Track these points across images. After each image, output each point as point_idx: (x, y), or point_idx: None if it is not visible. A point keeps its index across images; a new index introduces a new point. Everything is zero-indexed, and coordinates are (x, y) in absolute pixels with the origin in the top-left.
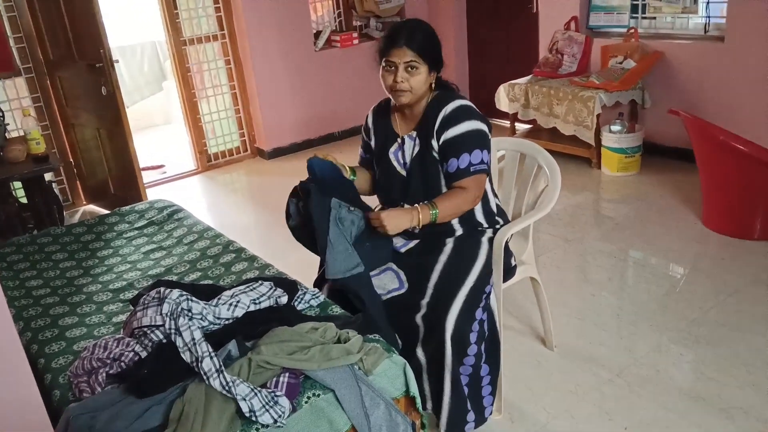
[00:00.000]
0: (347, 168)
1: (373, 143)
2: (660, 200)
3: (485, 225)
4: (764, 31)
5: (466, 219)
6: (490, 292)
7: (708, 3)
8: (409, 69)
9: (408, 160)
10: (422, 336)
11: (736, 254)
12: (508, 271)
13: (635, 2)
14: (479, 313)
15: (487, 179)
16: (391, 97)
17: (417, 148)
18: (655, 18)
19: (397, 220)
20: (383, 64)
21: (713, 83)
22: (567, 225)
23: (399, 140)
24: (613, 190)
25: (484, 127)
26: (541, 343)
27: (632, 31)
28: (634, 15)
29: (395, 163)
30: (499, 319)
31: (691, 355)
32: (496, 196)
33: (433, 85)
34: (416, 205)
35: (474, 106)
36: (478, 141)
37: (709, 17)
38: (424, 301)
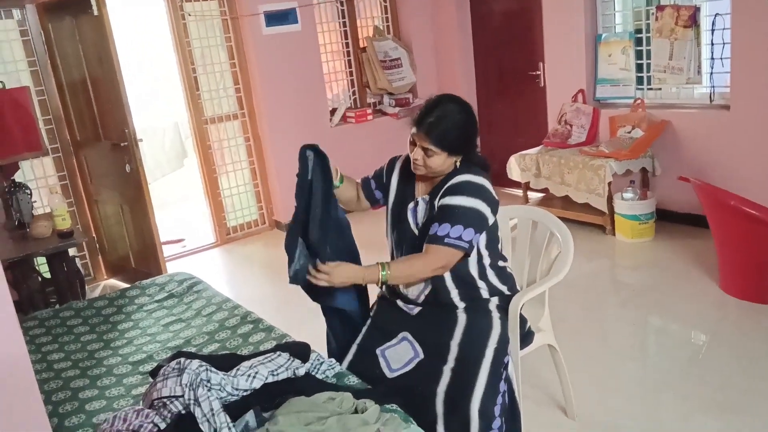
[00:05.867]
0: (338, 172)
1: (393, 189)
2: (676, 266)
3: (487, 295)
4: None
5: (466, 292)
6: (508, 362)
7: (711, 73)
8: (426, 152)
9: (420, 221)
10: (443, 414)
11: (756, 319)
12: (524, 338)
13: (640, 74)
14: (501, 386)
15: (489, 247)
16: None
17: (427, 213)
18: (660, 89)
19: (345, 276)
20: (411, 134)
21: (721, 150)
22: (585, 292)
23: (414, 201)
24: (628, 257)
25: (484, 209)
26: (562, 412)
27: (639, 101)
28: (640, 87)
29: (410, 220)
30: (518, 389)
31: (719, 424)
32: (503, 261)
33: (458, 163)
34: (375, 264)
35: (486, 186)
36: (468, 218)
37: (713, 87)
38: (447, 366)
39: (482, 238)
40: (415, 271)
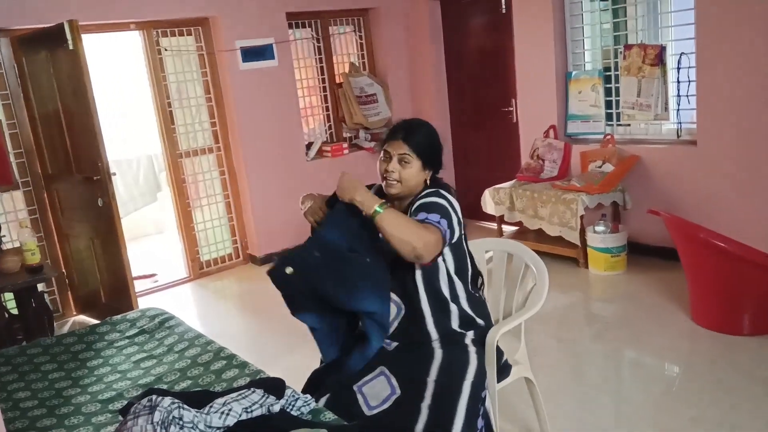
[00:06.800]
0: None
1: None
2: (649, 298)
3: (460, 329)
4: (732, 134)
5: (441, 326)
6: (485, 397)
7: (678, 110)
8: (402, 162)
9: None
10: None
11: (727, 351)
12: (501, 371)
13: (609, 111)
14: (479, 422)
15: (458, 273)
16: (383, 186)
17: None
18: (629, 125)
19: (351, 186)
20: (381, 153)
21: (690, 184)
22: (559, 325)
23: None
24: (601, 290)
25: (450, 210)
26: None
27: (609, 137)
28: (609, 123)
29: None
30: (496, 423)
31: None
32: (475, 289)
33: (427, 181)
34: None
35: (453, 202)
36: (440, 210)
37: (680, 123)
38: (424, 404)
39: (450, 263)
40: (408, 228)
